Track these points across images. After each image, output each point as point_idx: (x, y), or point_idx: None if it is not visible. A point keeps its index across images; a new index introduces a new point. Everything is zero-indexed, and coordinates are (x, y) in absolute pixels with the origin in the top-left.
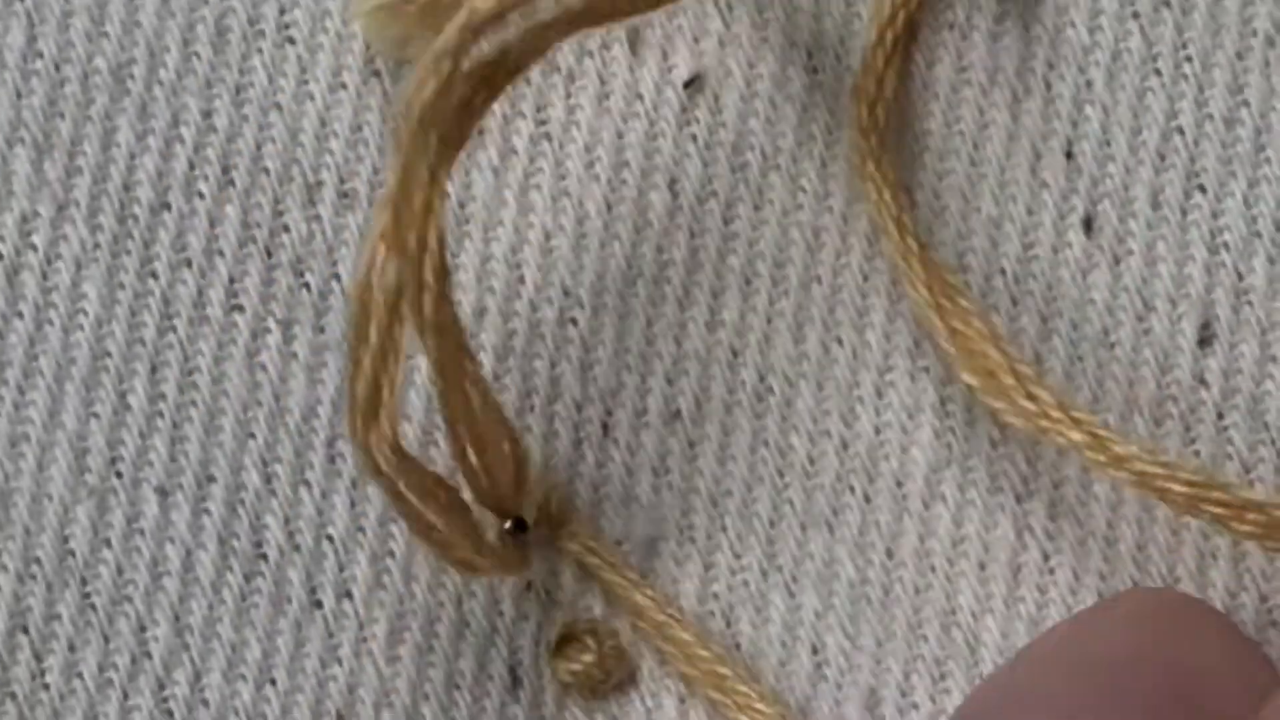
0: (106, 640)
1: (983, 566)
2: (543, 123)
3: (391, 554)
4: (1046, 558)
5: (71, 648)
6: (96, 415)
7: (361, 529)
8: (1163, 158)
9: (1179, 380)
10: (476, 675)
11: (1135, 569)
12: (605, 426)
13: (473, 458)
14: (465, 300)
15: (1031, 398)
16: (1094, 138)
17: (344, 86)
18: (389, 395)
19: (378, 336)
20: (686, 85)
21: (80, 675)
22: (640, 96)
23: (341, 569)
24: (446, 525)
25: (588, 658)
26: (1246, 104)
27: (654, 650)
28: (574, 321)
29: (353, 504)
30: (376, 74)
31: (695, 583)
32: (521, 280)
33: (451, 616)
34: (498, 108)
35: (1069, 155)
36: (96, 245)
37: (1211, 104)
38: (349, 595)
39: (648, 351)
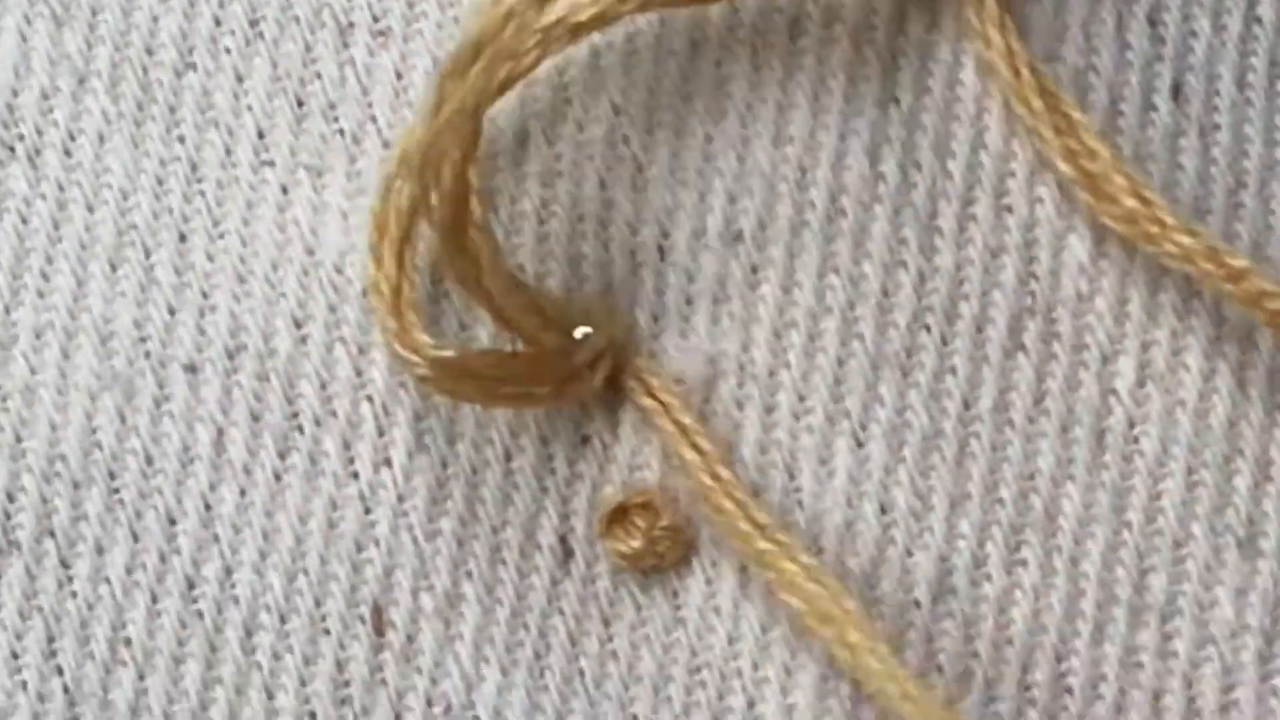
0: (135, 538)
1: (1065, 429)
2: None
3: (436, 410)
4: (1132, 424)
5: (99, 549)
6: (123, 294)
7: (403, 385)
8: (1244, 43)
9: (1274, 259)
10: (524, 547)
11: (1227, 445)
12: (661, 250)
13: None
14: (508, 127)
15: (1145, 201)
16: (1176, 10)
17: None
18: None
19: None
20: None
21: (108, 580)
22: None
23: (381, 433)
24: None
25: (636, 543)
26: None
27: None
28: (625, 140)
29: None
30: None
31: (756, 429)
32: (568, 101)
33: (498, 478)
34: None
35: (1152, 23)
36: (120, 115)
37: None
38: (388, 463)
39: (706, 169)
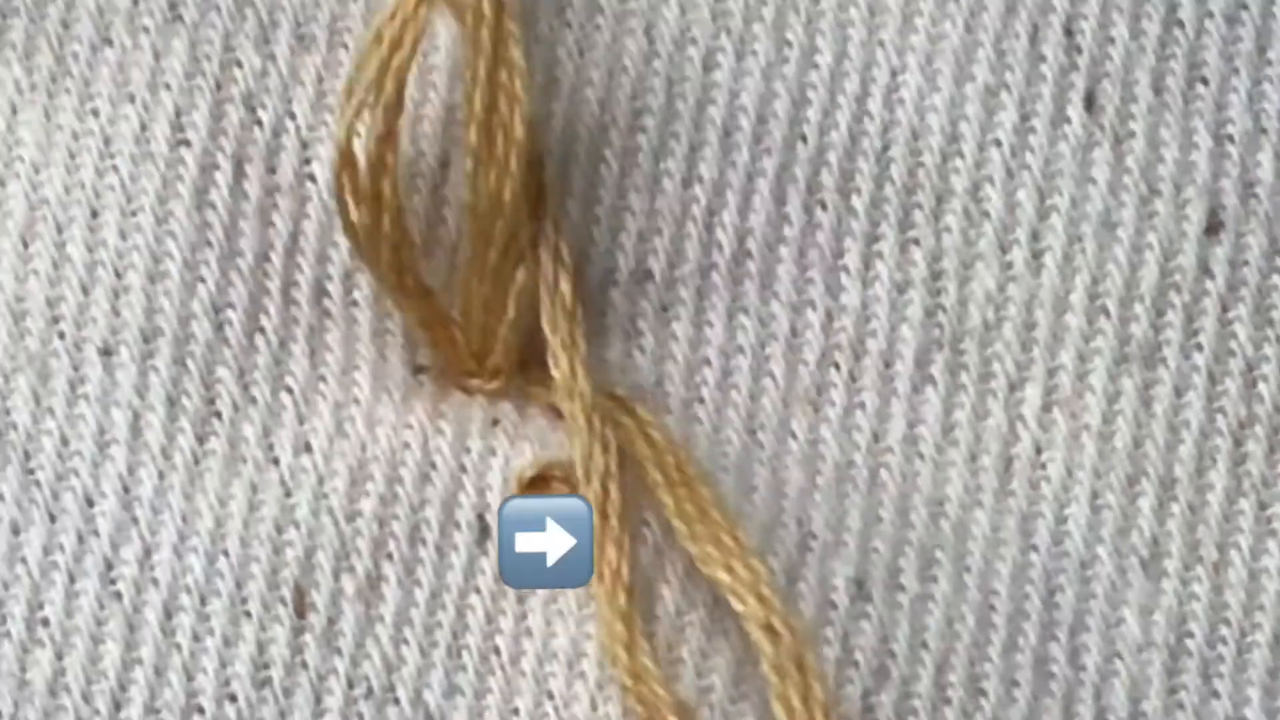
0: (52, 519)
1: (973, 457)
2: None
3: (355, 400)
4: (1039, 450)
5: (15, 530)
6: (36, 272)
7: (323, 378)
8: (1164, 47)
9: (1183, 268)
10: (443, 525)
11: (1131, 466)
12: (573, 285)
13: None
14: (429, 150)
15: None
16: (1094, 19)
17: None
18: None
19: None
20: None
21: (24, 560)
22: None
23: (301, 421)
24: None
25: None
26: (1246, 6)
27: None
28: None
29: (312, 352)
30: None
31: None
32: None
33: (417, 459)
34: None
35: (1069, 33)
36: (33, 86)
37: (1211, 2)
38: (308, 449)
39: (619, 206)
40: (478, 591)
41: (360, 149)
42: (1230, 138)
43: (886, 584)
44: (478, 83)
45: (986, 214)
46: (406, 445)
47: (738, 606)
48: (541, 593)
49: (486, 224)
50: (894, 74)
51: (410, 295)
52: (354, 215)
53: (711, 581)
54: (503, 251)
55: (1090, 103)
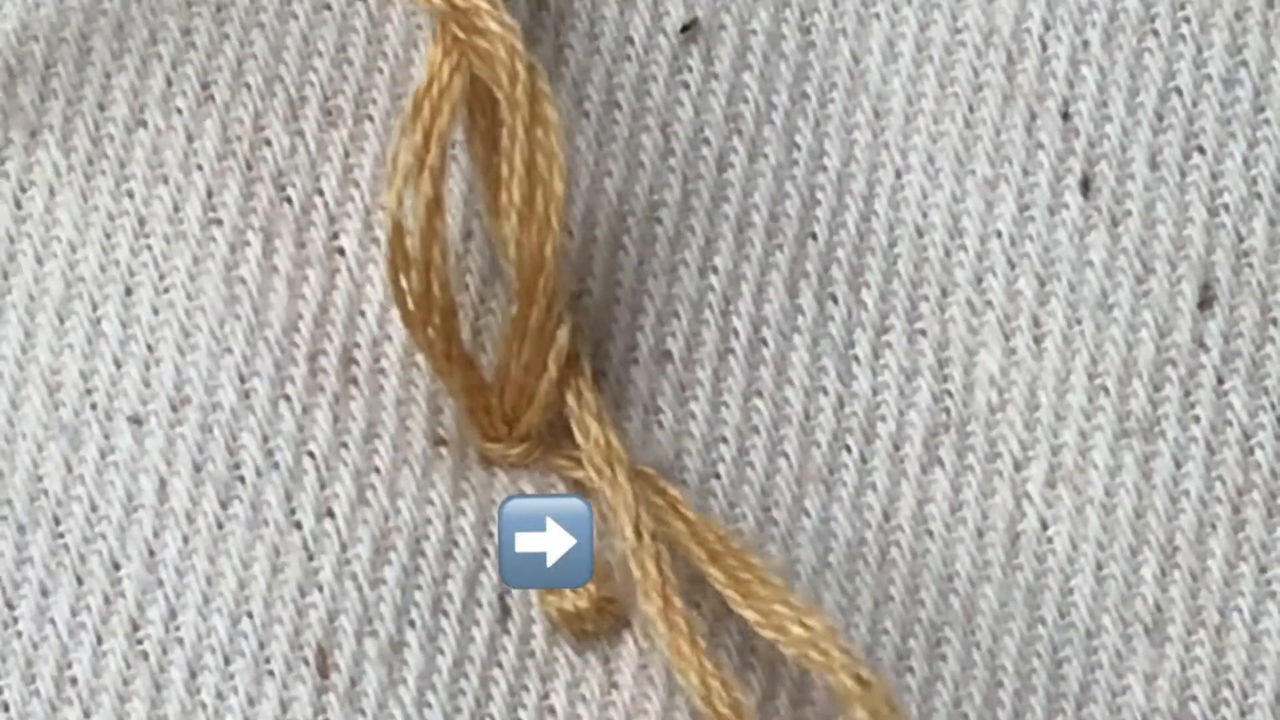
0: (79, 581)
1: (980, 534)
2: None
3: (376, 470)
4: (1045, 526)
5: (44, 591)
6: (70, 346)
7: (344, 444)
8: (1161, 119)
9: (1178, 343)
10: (465, 601)
11: (1134, 536)
12: (594, 364)
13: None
14: (453, 224)
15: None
16: (1091, 99)
17: (328, 7)
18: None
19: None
20: (683, 30)
21: (52, 621)
22: (630, 40)
23: (323, 487)
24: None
25: (582, 603)
26: (1245, 65)
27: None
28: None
29: (335, 419)
30: None
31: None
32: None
33: (439, 534)
34: None
35: (1065, 116)
36: (70, 168)
37: (1210, 65)
38: (330, 515)
39: (638, 290)
40: (500, 666)
41: (408, 217)
42: (1225, 207)
43: (895, 667)
44: (516, 141)
45: (989, 302)
46: (429, 521)
47: (818, 659)
48: (564, 676)
49: (530, 281)
50: (898, 174)
51: (453, 361)
52: (404, 283)
53: (782, 643)
54: (546, 309)
55: (1086, 187)
